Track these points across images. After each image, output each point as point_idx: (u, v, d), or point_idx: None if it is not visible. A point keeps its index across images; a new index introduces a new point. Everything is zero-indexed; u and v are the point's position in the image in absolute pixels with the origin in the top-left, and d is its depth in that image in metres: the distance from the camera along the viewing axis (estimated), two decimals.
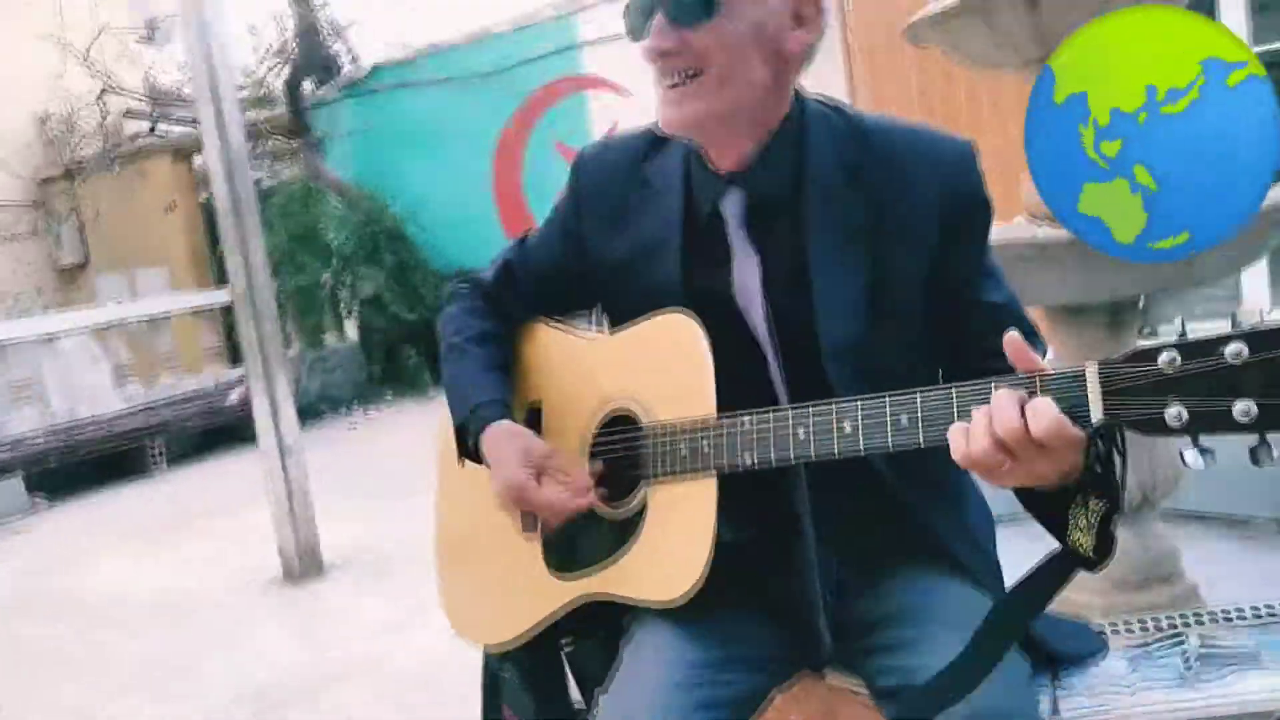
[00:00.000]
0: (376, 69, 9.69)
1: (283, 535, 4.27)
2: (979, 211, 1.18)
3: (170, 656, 3.56)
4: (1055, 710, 1.20)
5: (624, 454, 1.24)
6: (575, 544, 1.28)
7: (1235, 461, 0.84)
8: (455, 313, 1.43)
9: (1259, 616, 1.30)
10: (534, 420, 1.37)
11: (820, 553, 1.17)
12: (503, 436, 1.25)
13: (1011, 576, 1.17)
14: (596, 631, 1.29)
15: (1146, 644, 1.27)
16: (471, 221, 9.16)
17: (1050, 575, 1.00)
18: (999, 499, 1.26)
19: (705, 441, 1.13)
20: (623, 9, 1.16)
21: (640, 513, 1.20)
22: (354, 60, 9.81)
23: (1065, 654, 1.24)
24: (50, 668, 3.63)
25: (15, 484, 6.60)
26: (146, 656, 3.60)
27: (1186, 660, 1.22)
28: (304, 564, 4.24)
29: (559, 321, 1.41)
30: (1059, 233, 1.96)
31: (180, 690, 3.24)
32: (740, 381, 1.14)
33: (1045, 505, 0.99)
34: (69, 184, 11.15)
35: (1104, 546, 0.93)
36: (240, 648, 3.56)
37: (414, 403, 8.69)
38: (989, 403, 0.91)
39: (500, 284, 1.43)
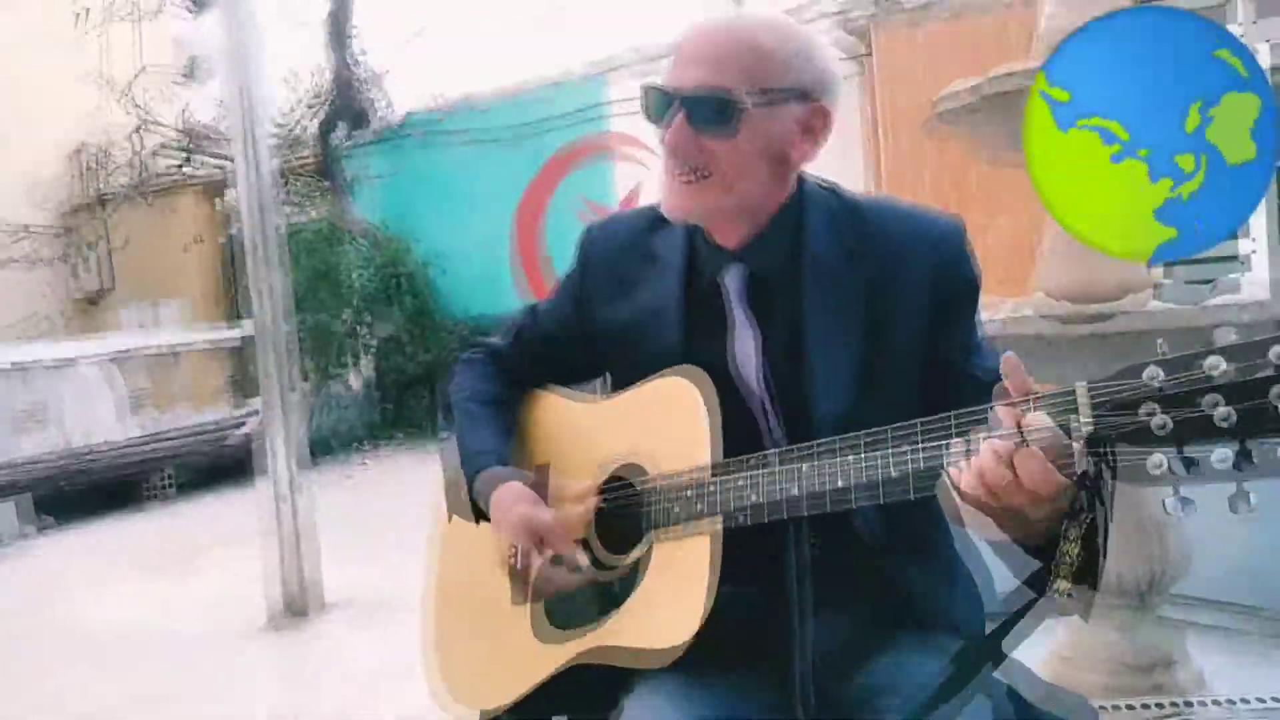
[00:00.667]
0: (409, 118, 9.89)
1: (285, 573, 4.25)
2: (969, 288, 1.24)
3: (166, 689, 3.53)
4: None
5: (625, 509, 1.26)
6: (573, 604, 1.29)
7: (1243, 551, 0.85)
8: (464, 377, 1.49)
9: (1262, 703, 1.29)
10: (540, 482, 1.40)
11: (807, 625, 1.18)
12: (498, 478, 1.31)
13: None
14: (594, 704, 1.28)
15: None
16: (491, 272, 9.26)
17: (1032, 589, 1.02)
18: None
19: (709, 488, 1.16)
20: (641, 91, 1.23)
21: (641, 565, 1.22)
22: (389, 107, 10.01)
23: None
24: (44, 693, 3.61)
25: (24, 505, 6.61)
26: (141, 689, 3.57)
27: None
28: (304, 603, 4.22)
29: (566, 389, 1.46)
30: (1079, 328, 1.97)
31: None
32: (737, 446, 1.18)
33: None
34: (98, 214, 11.36)
35: (1088, 559, 0.95)
36: (236, 684, 3.53)
37: (423, 446, 8.70)
38: (986, 423, 0.96)
39: (511, 348, 1.50)
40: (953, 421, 0.99)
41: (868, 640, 1.21)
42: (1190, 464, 0.86)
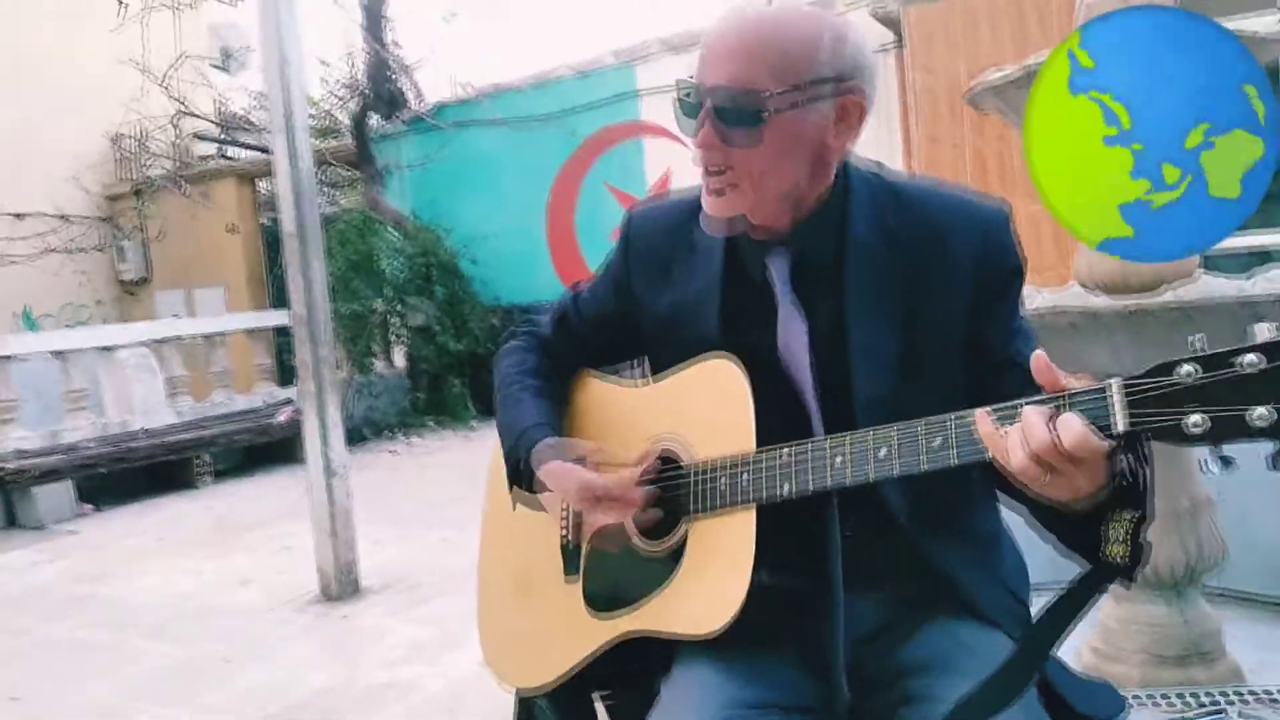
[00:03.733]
0: (440, 106, 9.94)
1: (323, 555, 4.33)
2: (1012, 275, 1.22)
3: (205, 668, 3.62)
4: None
5: (665, 493, 1.28)
6: (616, 584, 1.31)
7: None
8: (510, 357, 1.50)
9: None
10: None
11: (847, 604, 1.19)
12: (553, 447, 1.32)
13: None
14: (634, 683, 1.32)
15: (1185, 716, 1.26)
16: (523, 260, 9.31)
17: (1084, 588, 1.04)
18: (1035, 568, 1.29)
19: (744, 475, 1.18)
20: (675, 90, 1.21)
21: (680, 549, 1.24)
22: (419, 97, 10.07)
23: (1087, 713, 1.23)
24: (87, 670, 3.70)
25: (66, 489, 6.75)
26: (181, 666, 3.66)
27: None
28: (342, 585, 4.30)
29: (606, 373, 1.48)
30: (1113, 301, 1.98)
31: (212, 702, 3.29)
32: (784, 432, 1.18)
33: (1077, 531, 1.02)
34: (136, 201, 11.52)
35: (1135, 554, 0.98)
36: (275, 664, 3.60)
37: (455, 433, 8.79)
38: (1019, 420, 0.96)
39: (555, 331, 1.51)
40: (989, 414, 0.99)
41: (904, 621, 1.22)
42: (1227, 462, 0.87)
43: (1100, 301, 2.02)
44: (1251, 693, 1.29)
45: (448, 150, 9.71)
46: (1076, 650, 2.28)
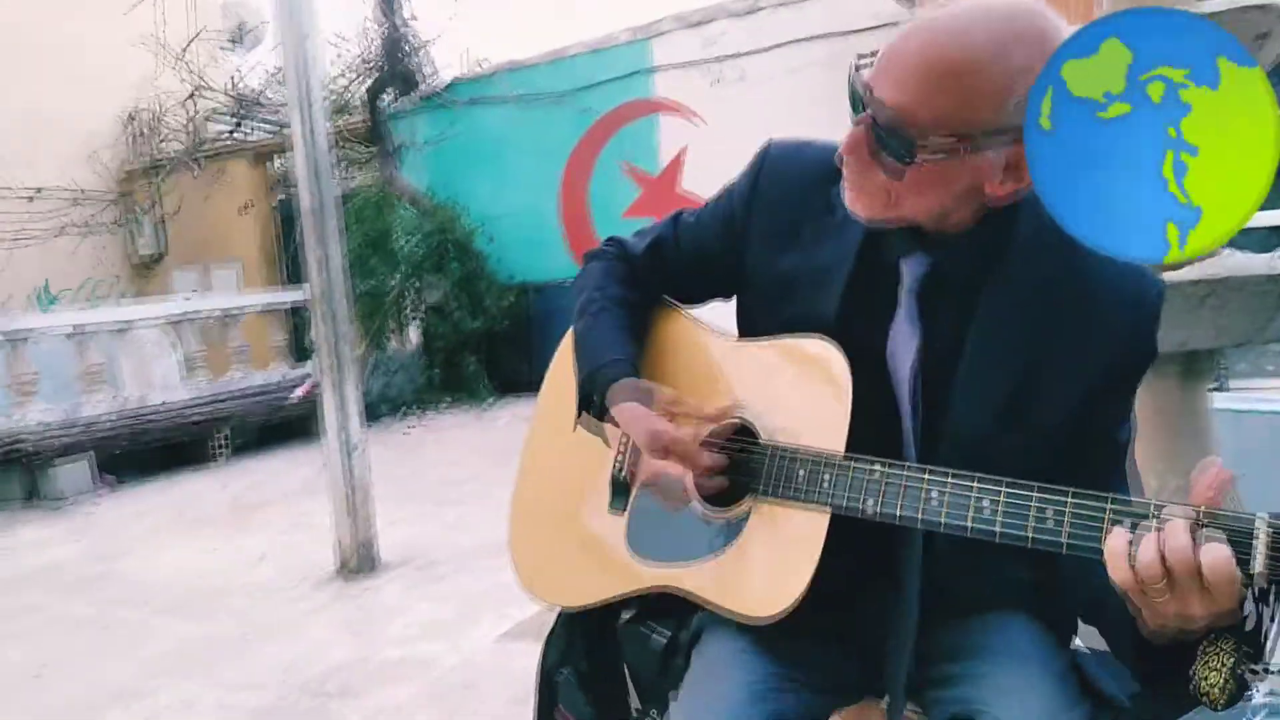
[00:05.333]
0: (454, 82, 9.92)
1: (341, 531, 4.36)
2: (1147, 360, 1.12)
3: (224, 643, 3.66)
4: None
5: (735, 461, 1.23)
6: (662, 534, 1.27)
7: None
8: (597, 271, 1.40)
9: None
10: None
11: (913, 611, 1.14)
12: (631, 388, 1.24)
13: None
14: (657, 617, 1.31)
15: None
16: (537, 237, 9.32)
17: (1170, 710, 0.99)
18: None
19: (826, 475, 1.11)
20: (855, 59, 1.08)
21: (740, 523, 1.20)
22: (434, 74, 10.05)
23: (1120, 696, 1.21)
24: (107, 646, 3.75)
25: (85, 464, 6.82)
26: (200, 641, 3.70)
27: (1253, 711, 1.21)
28: (360, 560, 4.33)
29: (694, 315, 1.41)
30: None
31: (231, 677, 3.33)
32: (869, 441, 1.11)
33: (1164, 653, 0.94)
34: (152, 179, 11.55)
35: (1231, 691, 0.89)
36: (293, 640, 3.64)
37: (470, 410, 8.82)
38: (1145, 515, 0.90)
39: (648, 257, 1.40)
40: (1109, 505, 0.92)
41: (965, 630, 1.18)
42: None
43: None
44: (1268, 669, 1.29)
45: (462, 127, 9.70)
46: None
